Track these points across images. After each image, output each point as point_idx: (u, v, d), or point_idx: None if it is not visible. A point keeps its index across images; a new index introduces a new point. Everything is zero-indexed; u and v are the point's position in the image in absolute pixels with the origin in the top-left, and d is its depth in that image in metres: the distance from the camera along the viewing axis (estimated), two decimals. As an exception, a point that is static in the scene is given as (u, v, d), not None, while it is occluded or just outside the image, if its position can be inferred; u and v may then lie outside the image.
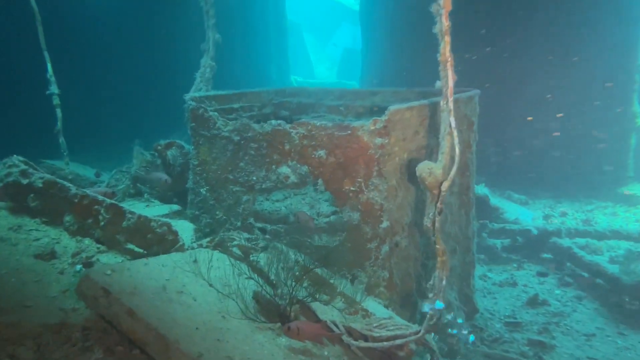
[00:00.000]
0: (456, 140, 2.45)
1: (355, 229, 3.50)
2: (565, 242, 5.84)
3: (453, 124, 2.44)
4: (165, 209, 4.54)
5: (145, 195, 5.09)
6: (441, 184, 2.51)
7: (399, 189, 3.29)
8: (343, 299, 3.05)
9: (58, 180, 3.24)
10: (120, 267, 2.69)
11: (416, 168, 2.71)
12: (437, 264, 2.64)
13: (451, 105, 2.44)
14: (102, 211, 3.21)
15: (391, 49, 13.17)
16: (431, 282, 2.63)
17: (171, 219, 4.47)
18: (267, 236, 4.17)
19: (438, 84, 2.50)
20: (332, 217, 4.40)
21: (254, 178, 4.17)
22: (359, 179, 3.40)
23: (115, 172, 5.26)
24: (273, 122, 3.91)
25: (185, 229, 3.83)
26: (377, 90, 5.01)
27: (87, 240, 3.28)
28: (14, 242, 3.00)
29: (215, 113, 4.34)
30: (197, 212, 4.68)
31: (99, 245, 3.26)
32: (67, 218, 3.30)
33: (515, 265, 6.00)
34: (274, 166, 4.00)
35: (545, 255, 6.16)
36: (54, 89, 4.05)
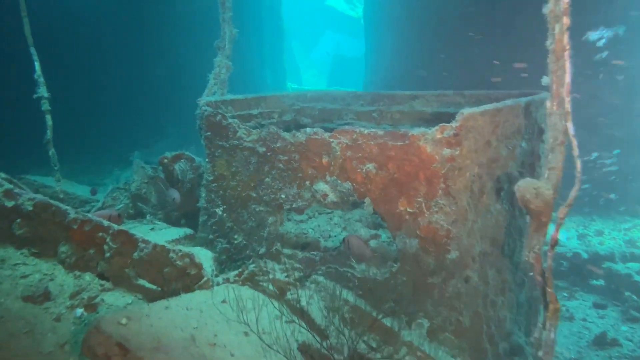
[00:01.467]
0: (576, 151, 2.02)
1: (412, 259, 3.03)
2: (621, 267, 5.43)
3: (572, 131, 2.01)
4: (174, 232, 4.04)
5: (148, 216, 4.58)
6: (550, 206, 2.07)
7: (469, 211, 2.85)
8: (408, 350, 2.56)
9: (52, 202, 2.75)
10: (137, 313, 2.19)
11: (516, 188, 2.27)
12: (547, 313, 2.18)
13: (568, 106, 2.02)
14: (108, 239, 2.71)
15: (400, 51, 13.04)
16: (536, 335, 2.16)
17: (182, 245, 3.97)
18: (298, 265, 3.69)
19: (545, 79, 2.09)
20: (371, 242, 3.94)
21: (283, 196, 3.70)
22: (419, 199, 2.95)
23: (112, 189, 4.75)
24: (308, 130, 3.47)
25: (203, 258, 3.33)
26: (417, 94, 4.61)
27: (87, 276, 2.77)
28: (-4, 280, 2.48)
29: (236, 120, 3.89)
30: (211, 236, 4.19)
31: (102, 282, 2.75)
32: (63, 248, 2.79)
33: (565, 294, 5.56)
34: (307, 182, 3.54)
35: (595, 282, 5.73)
36: (42, 91, 3.56)
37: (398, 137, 3.00)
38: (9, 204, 2.77)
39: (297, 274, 3.51)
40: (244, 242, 4.02)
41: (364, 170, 3.19)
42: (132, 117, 13.40)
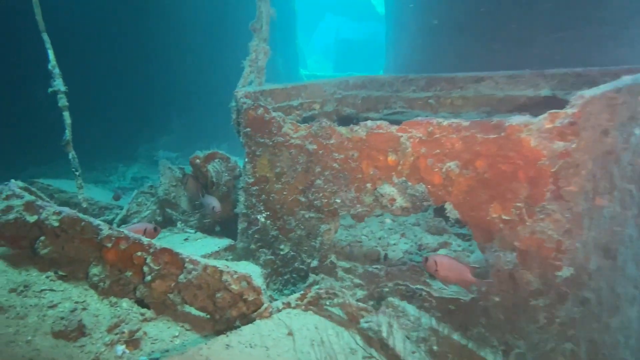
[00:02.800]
0: None
1: (508, 276, 2.59)
2: None
3: None
4: (212, 243, 3.68)
5: (179, 224, 4.23)
6: None
7: (585, 218, 2.39)
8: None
9: (81, 216, 2.39)
10: (194, 356, 1.80)
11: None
12: None
13: None
14: (148, 260, 2.34)
15: (424, 34, 12.55)
16: None
17: (223, 258, 3.60)
18: (358, 281, 3.28)
19: None
20: (468, 259, 3.50)
21: (338, 201, 3.29)
22: (518, 204, 2.50)
23: (136, 194, 4.41)
24: (369, 123, 3.04)
25: (253, 276, 2.95)
26: (483, 75, 4.13)
27: (124, 303, 2.42)
28: (21, 312, 2.14)
29: (281, 114, 3.48)
30: (252, 246, 3.81)
31: (142, 310, 2.39)
32: (95, 270, 2.44)
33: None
34: (368, 185, 3.12)
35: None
36: (58, 84, 3.20)
37: (490, 128, 2.55)
38: (31, 218, 2.43)
39: (359, 293, 3.11)
40: (292, 253, 3.64)
41: (444, 170, 2.75)
42: (135, 111, 13.15)
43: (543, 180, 2.41)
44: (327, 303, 2.50)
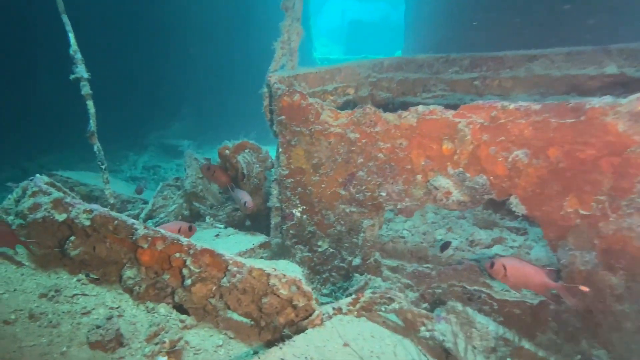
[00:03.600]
0: None
1: (585, 277, 2.34)
2: None
3: None
4: (245, 240, 3.51)
5: (208, 219, 4.07)
6: None
7: (683, 212, 2.12)
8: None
9: (114, 214, 2.22)
10: (247, 375, 1.63)
11: None
12: None
13: None
14: (187, 262, 2.17)
15: (450, 11, 12.12)
16: None
17: (258, 255, 3.43)
18: (406, 281, 3.07)
19: None
20: (495, 248, 3.26)
21: (383, 194, 3.07)
22: (600, 197, 2.24)
23: (161, 187, 4.27)
24: (420, 108, 2.80)
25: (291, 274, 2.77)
26: (536, 53, 3.82)
27: (162, 309, 2.26)
28: (53, 320, 2.00)
29: (319, 100, 3.25)
30: (287, 242, 3.63)
31: (182, 317, 2.23)
32: (130, 273, 2.28)
33: None
34: (419, 176, 2.89)
35: None
36: (81, 71, 3.01)
37: (566, 111, 2.28)
38: (60, 217, 2.28)
39: (411, 295, 2.90)
40: (331, 250, 3.44)
41: (510, 160, 2.50)
42: (145, 98, 13.02)
43: (633, 170, 2.15)
44: (383, 309, 2.30)
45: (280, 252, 3.70)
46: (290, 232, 3.64)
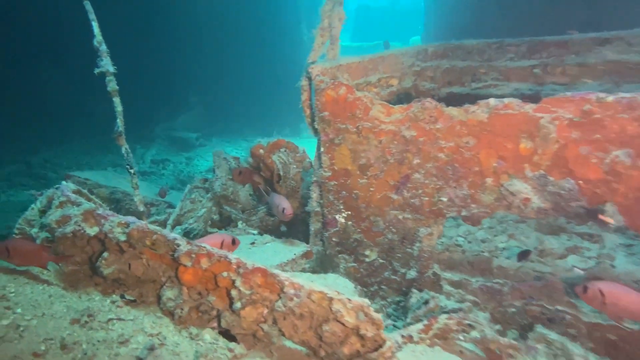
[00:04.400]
0: None
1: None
2: None
3: None
4: (284, 249, 3.26)
5: (240, 224, 3.83)
6: None
7: None
8: None
9: (153, 227, 1.99)
10: None
11: None
12: None
13: None
14: (237, 282, 1.93)
15: None
16: None
17: (299, 266, 3.19)
18: (472, 297, 2.79)
19: None
20: (570, 259, 2.95)
21: (444, 199, 2.79)
22: None
23: (189, 189, 4.04)
24: (492, 101, 2.50)
25: (339, 289, 2.51)
26: (609, 36, 3.46)
27: (207, 335, 2.03)
28: (88, 352, 1.78)
29: (368, 94, 2.97)
30: (329, 251, 3.38)
31: (230, 344, 1.99)
32: (169, 294, 2.06)
33: None
34: (489, 180, 2.59)
35: None
36: (106, 64, 2.78)
37: (683, 105, 1.96)
38: (92, 231, 2.07)
39: (481, 315, 2.61)
40: (380, 260, 3.18)
41: (607, 161, 2.18)
42: (150, 88, 12.81)
43: None
44: (461, 337, 2.03)
45: (323, 263, 3.45)
46: (333, 240, 3.38)
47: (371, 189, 3.11)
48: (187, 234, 3.67)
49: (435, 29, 15.08)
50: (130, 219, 2.06)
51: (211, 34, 14.63)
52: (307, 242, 3.75)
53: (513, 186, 2.48)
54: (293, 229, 3.98)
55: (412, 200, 2.94)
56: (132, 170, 2.77)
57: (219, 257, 1.97)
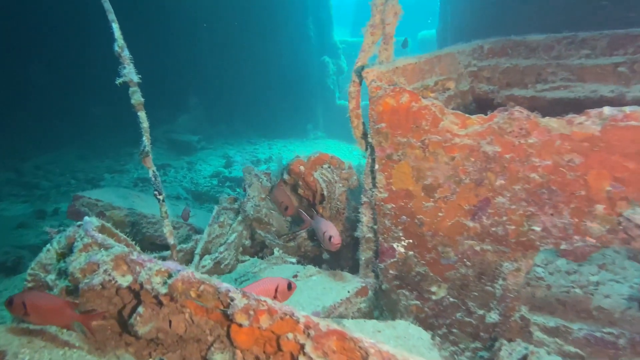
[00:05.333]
0: None
1: None
2: None
3: None
4: (334, 286, 2.91)
5: (277, 251, 3.49)
6: None
7: None
8: None
9: (199, 276, 1.65)
10: None
11: None
12: None
13: None
14: (307, 347, 1.58)
15: None
16: None
17: (353, 307, 2.83)
18: (574, 349, 2.40)
19: None
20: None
21: (537, 228, 2.41)
22: None
23: (216, 212, 3.72)
24: (607, 110, 2.12)
25: (423, 347, 2.15)
26: None
27: (267, 413, 1.67)
28: None
29: (437, 101, 2.62)
30: (385, 286, 3.02)
31: None
32: (219, 358, 1.70)
33: None
34: (599, 206, 2.21)
35: None
36: (129, 73, 2.45)
37: None
38: (125, 281, 1.73)
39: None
40: (451, 299, 2.80)
41: None
42: (147, 87, 12.56)
43: None
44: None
45: (378, 300, 3.08)
46: (391, 272, 3.02)
47: (440, 213, 2.74)
48: (218, 265, 3.33)
49: (453, 23, 14.48)
50: (172, 265, 1.72)
51: (211, 30, 14.25)
52: (352, 271, 3.40)
53: (636, 216, 2.10)
54: (336, 254, 3.63)
55: (493, 229, 2.56)
56: (160, 197, 2.43)
57: (283, 314, 1.62)
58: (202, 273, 3.28)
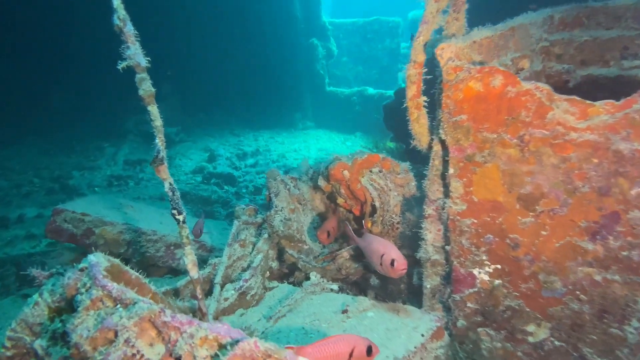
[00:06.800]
0: None
1: None
2: None
3: None
4: (399, 324, 2.42)
5: (314, 276, 3.02)
6: None
7: None
8: None
9: (264, 346, 1.16)
10: None
11: None
12: None
13: None
14: None
15: None
16: None
17: (429, 355, 2.35)
18: None
19: None
20: None
21: (689, 253, 1.94)
22: None
23: (236, 228, 3.23)
24: None
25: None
26: None
27: None
28: None
29: (544, 84, 2.17)
30: (460, 323, 2.55)
31: None
32: None
33: None
34: None
35: None
36: (135, 53, 1.90)
37: None
38: (153, 354, 1.23)
39: None
40: (556, 342, 2.34)
41: None
42: (118, 76, 11.93)
43: None
44: None
45: (453, 342, 2.61)
46: (469, 305, 2.54)
47: (543, 232, 2.26)
48: (243, 296, 2.83)
49: None
50: (223, 330, 1.22)
51: (184, 7, 13.63)
52: (407, 301, 2.93)
53: None
54: (384, 279, 3.15)
55: (624, 253, 2.10)
56: (180, 217, 1.92)
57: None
58: (224, 307, 2.80)
